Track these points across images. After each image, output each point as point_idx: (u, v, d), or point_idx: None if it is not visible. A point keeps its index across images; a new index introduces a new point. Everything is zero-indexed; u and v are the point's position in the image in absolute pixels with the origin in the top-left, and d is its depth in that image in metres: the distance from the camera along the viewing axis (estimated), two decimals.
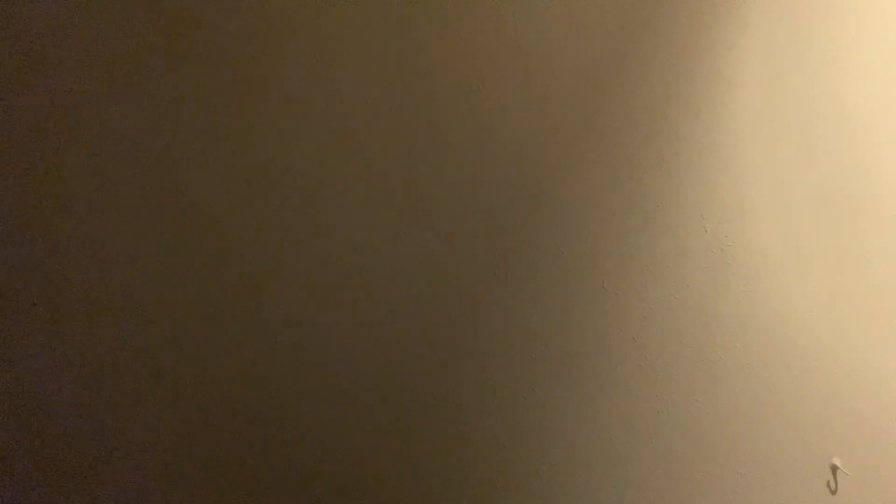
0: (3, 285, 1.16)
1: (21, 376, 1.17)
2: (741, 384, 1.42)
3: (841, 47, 1.47)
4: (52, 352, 1.20)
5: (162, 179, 1.23)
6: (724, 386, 1.41)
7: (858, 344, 1.46)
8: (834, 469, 1.43)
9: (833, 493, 1.43)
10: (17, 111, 1.16)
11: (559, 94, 1.37)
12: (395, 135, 1.31)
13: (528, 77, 1.35)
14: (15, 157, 1.17)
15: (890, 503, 1.45)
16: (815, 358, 1.44)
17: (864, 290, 1.47)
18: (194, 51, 1.23)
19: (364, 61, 1.29)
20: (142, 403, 1.23)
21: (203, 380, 1.25)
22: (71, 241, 1.20)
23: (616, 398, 1.39)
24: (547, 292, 1.36)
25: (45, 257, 1.19)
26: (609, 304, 1.38)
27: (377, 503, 1.31)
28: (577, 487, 1.37)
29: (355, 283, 1.30)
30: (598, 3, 1.37)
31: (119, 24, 1.20)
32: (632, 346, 1.39)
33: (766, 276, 1.43)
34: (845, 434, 1.44)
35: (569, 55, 1.37)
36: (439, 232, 1.33)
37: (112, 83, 1.21)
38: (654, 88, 1.39)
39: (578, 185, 1.38)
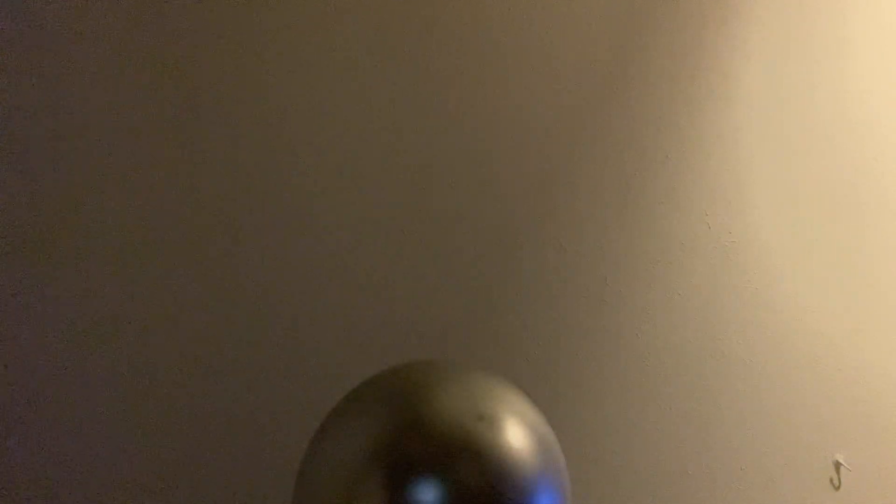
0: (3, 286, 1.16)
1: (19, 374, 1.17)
2: (743, 380, 1.41)
3: (847, 42, 1.46)
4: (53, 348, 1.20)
5: (164, 177, 1.23)
6: (726, 382, 1.41)
7: (862, 340, 1.45)
8: (837, 465, 1.42)
9: (836, 489, 1.43)
10: (20, 108, 1.16)
11: (561, 91, 1.37)
12: (398, 127, 1.32)
13: (529, 74, 1.35)
14: (18, 160, 1.17)
15: (894, 500, 1.45)
16: (819, 354, 1.44)
17: (869, 286, 1.46)
18: (198, 51, 1.23)
19: (369, 55, 1.30)
20: (144, 402, 1.23)
21: (203, 379, 1.25)
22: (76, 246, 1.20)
23: (618, 394, 1.39)
24: (549, 288, 1.36)
25: (49, 263, 1.19)
26: (611, 300, 1.38)
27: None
28: (577, 485, 1.37)
29: (353, 277, 1.30)
30: (602, 1, 1.37)
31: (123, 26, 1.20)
32: (634, 342, 1.39)
33: (768, 273, 1.43)
34: (849, 430, 1.44)
35: (570, 53, 1.37)
36: (439, 226, 1.33)
37: (118, 83, 1.21)
38: (657, 84, 1.39)
39: (581, 181, 1.38)
